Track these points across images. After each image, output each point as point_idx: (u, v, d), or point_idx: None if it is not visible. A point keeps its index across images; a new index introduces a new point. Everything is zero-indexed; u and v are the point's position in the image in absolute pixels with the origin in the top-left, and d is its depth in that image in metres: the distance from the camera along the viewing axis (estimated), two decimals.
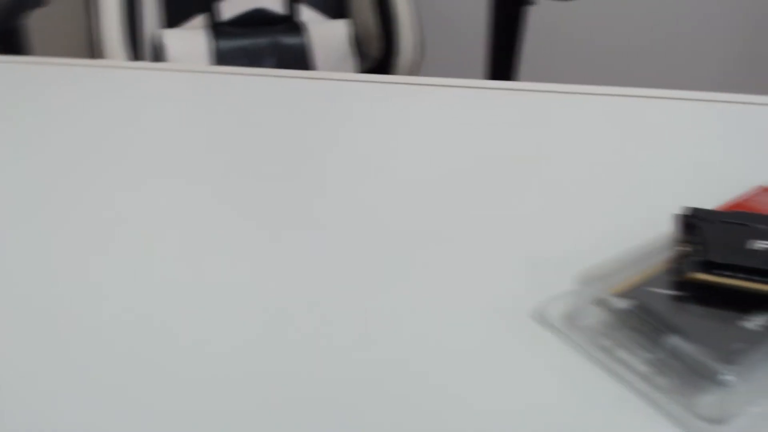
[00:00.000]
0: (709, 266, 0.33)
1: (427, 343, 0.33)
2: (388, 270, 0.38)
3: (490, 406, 0.30)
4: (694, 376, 0.29)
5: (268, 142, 0.50)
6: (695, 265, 0.33)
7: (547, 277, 0.37)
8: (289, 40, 1.26)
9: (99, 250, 0.39)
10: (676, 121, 0.53)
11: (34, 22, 1.09)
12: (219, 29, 1.26)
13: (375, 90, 0.58)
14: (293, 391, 0.31)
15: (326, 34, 1.27)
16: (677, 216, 0.37)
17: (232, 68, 0.63)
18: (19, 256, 0.39)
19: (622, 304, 0.32)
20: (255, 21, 1.29)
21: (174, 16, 1.27)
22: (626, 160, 0.48)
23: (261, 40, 1.25)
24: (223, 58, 1.23)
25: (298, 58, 1.25)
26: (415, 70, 1.25)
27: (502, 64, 1.14)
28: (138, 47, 1.19)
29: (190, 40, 1.23)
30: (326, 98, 0.57)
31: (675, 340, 0.30)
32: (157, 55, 1.21)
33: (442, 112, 0.54)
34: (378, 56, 1.27)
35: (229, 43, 1.24)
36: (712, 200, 0.41)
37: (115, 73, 0.62)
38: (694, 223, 0.36)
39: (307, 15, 1.30)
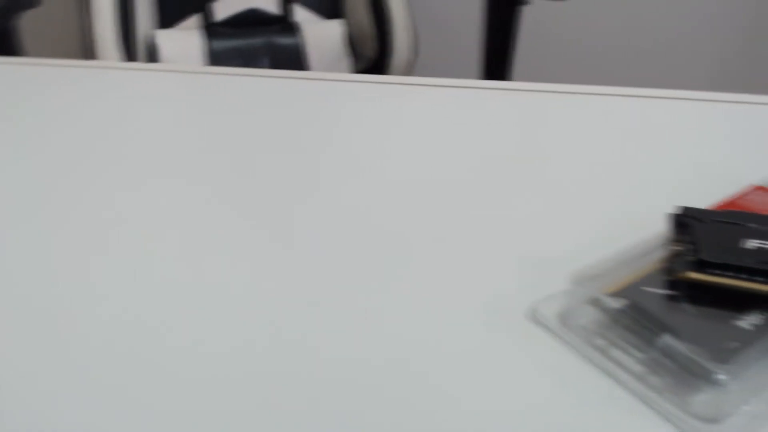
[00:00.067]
0: (702, 265, 0.33)
1: (422, 343, 0.33)
2: (383, 270, 0.38)
3: (484, 406, 0.30)
4: (687, 376, 0.29)
5: (263, 142, 0.50)
6: (688, 265, 0.33)
7: (541, 277, 0.37)
8: (283, 40, 1.26)
9: (99, 250, 0.39)
10: (673, 121, 0.53)
11: (27, 22, 1.09)
12: (213, 30, 1.26)
13: (370, 90, 0.58)
14: (292, 391, 0.31)
15: (320, 34, 1.26)
16: (670, 215, 0.37)
17: (227, 69, 0.62)
18: (19, 256, 0.39)
19: (616, 303, 0.32)
20: (249, 21, 1.29)
21: (168, 17, 1.27)
22: (622, 160, 0.48)
23: (255, 41, 1.25)
24: (217, 58, 1.23)
25: (293, 59, 1.25)
26: (409, 71, 1.25)
27: (497, 64, 1.14)
28: (132, 48, 1.19)
29: (183, 40, 1.23)
30: (321, 98, 0.57)
31: (668, 340, 0.30)
32: (151, 55, 1.21)
33: (436, 112, 0.54)
34: (372, 56, 1.27)
35: (223, 44, 1.24)
36: (710, 200, 0.41)
37: (109, 73, 0.62)
38: (686, 222, 0.36)
39: (302, 15, 1.30)
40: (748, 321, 0.31)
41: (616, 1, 1.59)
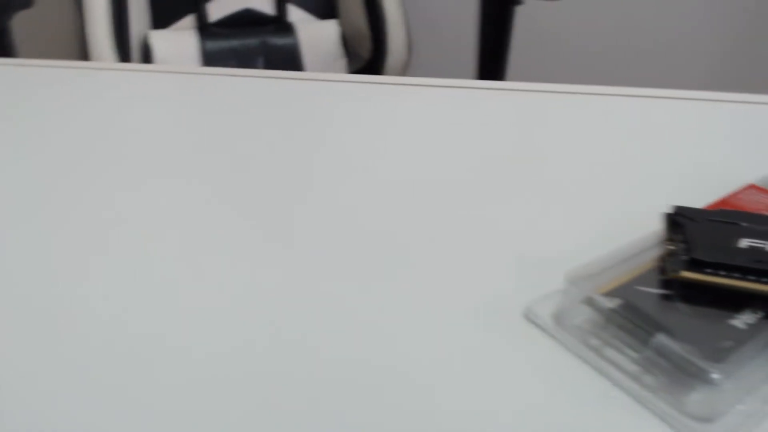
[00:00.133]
0: (696, 265, 0.33)
1: (418, 343, 0.33)
2: (380, 270, 0.38)
3: (479, 405, 0.30)
4: (682, 375, 0.29)
5: (258, 143, 0.50)
6: (682, 264, 0.33)
7: (537, 277, 0.37)
8: (278, 40, 1.25)
9: (99, 250, 0.39)
10: (673, 121, 0.53)
11: (20, 23, 1.09)
12: (207, 30, 1.25)
13: (365, 90, 0.58)
14: (292, 391, 0.30)
15: (315, 34, 1.26)
16: (664, 215, 0.37)
17: (221, 69, 0.62)
18: (19, 256, 0.39)
19: (610, 303, 0.32)
20: (244, 21, 1.28)
21: (162, 17, 1.27)
22: (621, 160, 0.48)
23: (250, 41, 1.25)
24: (211, 59, 1.22)
25: (288, 59, 1.25)
26: (404, 71, 1.26)
27: (492, 64, 1.14)
28: (126, 48, 1.18)
29: (178, 41, 1.22)
30: (316, 99, 0.57)
31: (663, 339, 0.30)
32: (145, 56, 1.21)
33: (432, 112, 0.54)
34: (367, 56, 1.27)
35: (217, 44, 1.23)
36: (709, 199, 0.41)
37: (103, 74, 0.62)
38: (680, 221, 0.36)
39: (296, 15, 1.30)
40: (742, 320, 0.31)
41: (614, 1, 1.59)
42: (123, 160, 0.48)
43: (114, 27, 1.15)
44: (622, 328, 0.32)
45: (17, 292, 0.36)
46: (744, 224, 0.35)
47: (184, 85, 0.60)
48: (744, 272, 0.32)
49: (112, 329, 0.34)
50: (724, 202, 0.41)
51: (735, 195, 0.41)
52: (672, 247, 0.35)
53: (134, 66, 0.63)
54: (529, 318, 0.34)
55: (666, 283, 0.34)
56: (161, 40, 1.21)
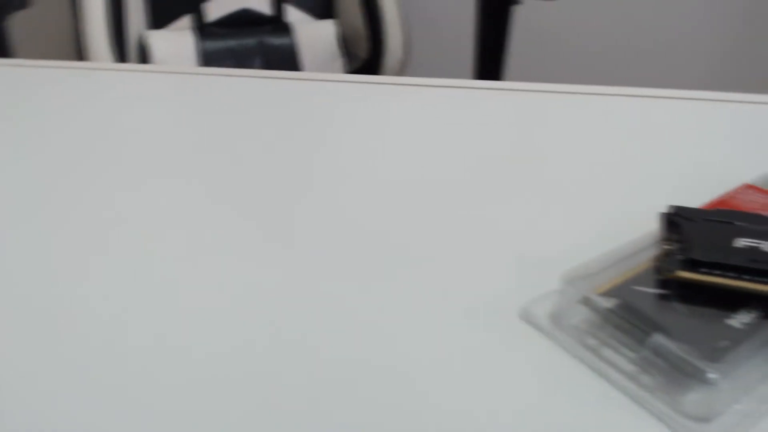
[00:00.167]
0: (693, 264, 0.33)
1: (416, 343, 0.33)
2: (379, 270, 0.38)
3: (476, 405, 0.30)
4: (679, 375, 0.30)
5: (257, 143, 0.50)
6: (679, 264, 0.33)
7: (534, 277, 0.37)
8: (276, 40, 1.25)
9: (99, 250, 0.39)
10: (673, 121, 0.53)
11: (18, 24, 1.09)
12: (205, 30, 1.25)
13: (363, 90, 0.58)
14: (292, 391, 0.31)
15: (313, 34, 1.26)
16: (661, 214, 0.37)
17: (219, 69, 0.62)
18: (19, 256, 0.39)
19: (607, 303, 0.33)
20: (242, 21, 1.28)
21: (160, 17, 1.27)
22: (621, 160, 0.48)
23: (248, 41, 1.25)
24: (209, 59, 1.22)
25: (286, 59, 1.25)
26: (402, 71, 1.26)
27: (490, 63, 1.14)
28: (124, 49, 1.18)
29: (176, 41, 1.22)
30: (314, 99, 0.57)
31: (660, 339, 0.30)
32: (143, 56, 1.21)
33: (430, 112, 0.55)
34: (365, 56, 1.27)
35: (215, 44, 1.23)
36: (707, 199, 0.41)
37: (101, 74, 0.62)
38: (677, 221, 0.36)
39: (294, 15, 1.30)
40: (738, 320, 0.31)
41: (614, 1, 1.59)
42: (122, 160, 0.48)
43: (111, 27, 1.15)
44: (619, 328, 0.32)
45: (17, 292, 0.37)
46: (740, 224, 0.35)
47: (181, 85, 0.60)
48: (740, 272, 0.32)
49: (112, 329, 0.34)
50: (720, 201, 0.41)
51: (731, 194, 0.41)
52: (668, 247, 0.35)
53: (132, 66, 0.63)
54: (527, 318, 0.34)
55: (663, 283, 0.34)
56: (159, 40, 1.21)
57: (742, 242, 0.34)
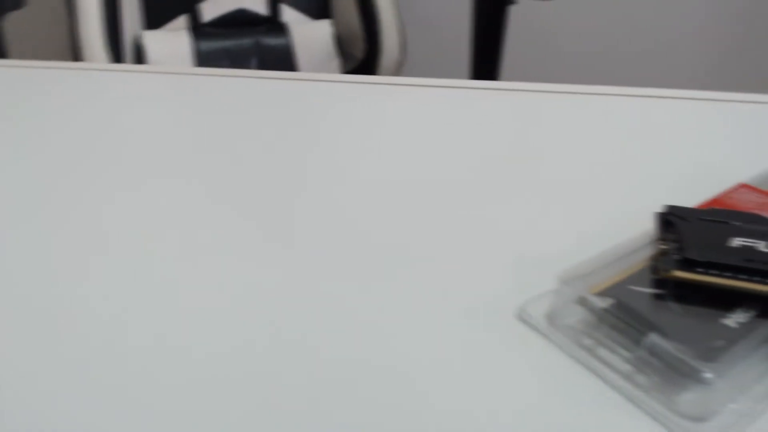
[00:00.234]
0: (688, 264, 0.33)
1: (415, 343, 0.33)
2: (378, 270, 0.38)
3: (474, 405, 0.30)
4: (674, 374, 0.30)
5: (253, 143, 0.50)
6: (675, 263, 0.34)
7: (530, 277, 0.37)
8: (271, 40, 1.25)
9: (99, 250, 0.39)
10: (673, 121, 0.53)
11: (13, 24, 1.08)
12: (201, 30, 1.25)
13: (359, 91, 0.58)
14: (292, 391, 0.31)
15: (309, 34, 1.26)
16: (656, 214, 0.37)
17: (215, 69, 0.62)
18: (19, 256, 0.39)
19: (603, 302, 0.33)
20: (237, 22, 1.28)
21: (155, 18, 1.26)
22: (620, 160, 0.48)
23: (243, 41, 1.25)
24: (205, 59, 1.22)
25: (281, 59, 1.25)
26: (398, 71, 1.26)
27: (486, 64, 1.15)
28: (119, 49, 1.18)
29: (171, 41, 1.22)
30: (310, 99, 0.57)
31: (655, 338, 0.31)
32: (138, 56, 1.21)
33: (426, 112, 0.55)
34: (361, 57, 1.27)
35: (211, 45, 1.23)
36: (704, 199, 0.41)
37: (96, 75, 0.62)
38: (672, 221, 0.36)
39: (290, 15, 1.30)
40: (734, 319, 0.32)
41: (614, 1, 1.59)
42: (120, 160, 0.48)
43: (107, 27, 1.15)
44: (615, 328, 0.32)
45: (17, 292, 0.37)
46: (735, 223, 0.36)
47: (177, 85, 0.60)
48: (736, 271, 0.33)
49: (112, 329, 0.34)
50: (715, 201, 0.41)
51: (727, 194, 0.42)
52: (664, 247, 0.35)
53: (127, 67, 0.63)
54: (523, 318, 0.34)
55: (658, 283, 0.34)
56: (154, 41, 1.21)
57: (737, 242, 0.34)
